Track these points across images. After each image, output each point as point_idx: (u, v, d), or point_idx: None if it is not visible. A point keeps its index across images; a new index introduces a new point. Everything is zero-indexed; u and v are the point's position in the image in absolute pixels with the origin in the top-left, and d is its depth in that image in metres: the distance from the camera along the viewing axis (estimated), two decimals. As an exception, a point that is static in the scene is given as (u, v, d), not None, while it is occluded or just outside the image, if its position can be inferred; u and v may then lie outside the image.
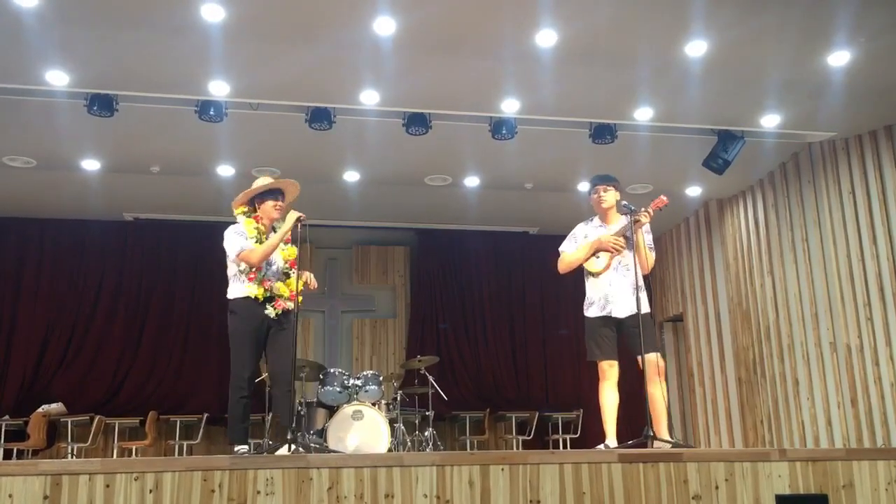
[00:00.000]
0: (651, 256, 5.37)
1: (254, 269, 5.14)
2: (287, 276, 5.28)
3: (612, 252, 5.30)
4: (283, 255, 5.33)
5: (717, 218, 10.22)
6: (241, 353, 5.10)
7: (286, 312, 5.18)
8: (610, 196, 5.43)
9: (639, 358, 5.15)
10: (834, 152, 8.30)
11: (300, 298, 5.27)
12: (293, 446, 4.72)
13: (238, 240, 5.18)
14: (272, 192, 5.33)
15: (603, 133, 7.77)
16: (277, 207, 5.30)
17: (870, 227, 7.85)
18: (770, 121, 7.78)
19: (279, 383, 5.10)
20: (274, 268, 5.24)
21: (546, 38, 6.23)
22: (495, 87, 7.12)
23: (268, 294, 5.14)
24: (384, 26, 6.04)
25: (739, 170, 8.49)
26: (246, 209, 5.38)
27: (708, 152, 8.12)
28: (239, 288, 5.17)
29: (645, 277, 5.37)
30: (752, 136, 8.06)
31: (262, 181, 5.41)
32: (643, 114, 7.59)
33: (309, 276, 5.36)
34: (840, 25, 6.10)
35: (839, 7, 5.89)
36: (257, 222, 5.29)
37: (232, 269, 5.23)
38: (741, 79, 6.96)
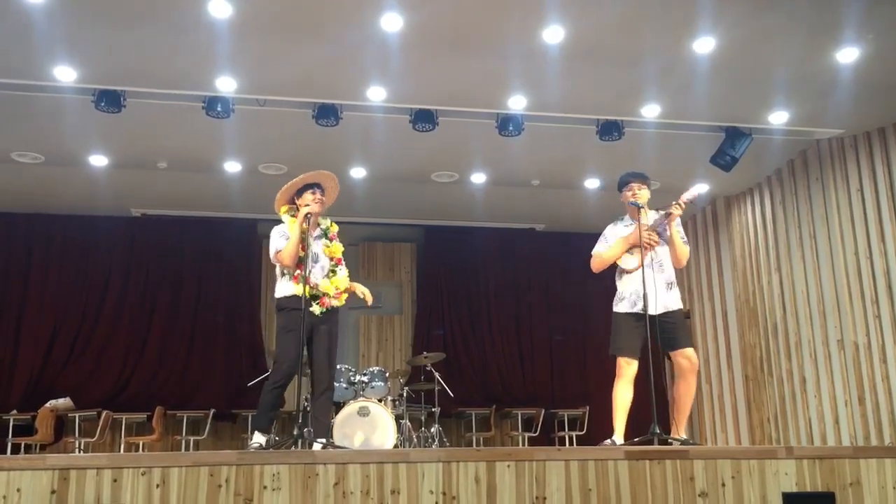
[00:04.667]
0: (686, 249, 5.37)
1: (297, 268, 5.14)
2: (333, 272, 5.27)
3: (646, 248, 5.27)
4: (327, 251, 5.31)
5: (724, 215, 10.20)
6: (285, 348, 5.12)
7: (331, 310, 5.20)
8: (644, 194, 5.40)
9: (673, 353, 5.15)
10: (842, 149, 8.26)
11: (345, 296, 5.32)
12: (326, 441, 4.81)
13: (278, 241, 5.21)
14: (309, 187, 5.29)
15: (610, 130, 7.76)
16: (316, 200, 5.23)
17: (878, 224, 7.81)
18: (778, 118, 7.75)
19: (318, 384, 5.13)
20: (318, 265, 5.22)
21: (553, 34, 6.22)
22: (502, 83, 7.10)
23: (313, 292, 5.14)
24: (391, 23, 6.04)
25: (747, 167, 8.46)
26: (288, 208, 5.36)
27: (715, 149, 8.09)
28: (286, 287, 5.19)
29: (678, 272, 5.36)
30: (760, 132, 8.04)
31: (301, 178, 5.35)
32: (650, 111, 7.57)
33: (365, 291, 5.43)
34: (848, 22, 6.08)
35: (847, 4, 5.87)
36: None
37: (279, 269, 5.27)
38: (749, 75, 6.93)
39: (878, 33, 6.24)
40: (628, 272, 5.32)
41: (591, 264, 5.51)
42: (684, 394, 5.17)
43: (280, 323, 5.24)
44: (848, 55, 6.55)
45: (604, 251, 5.44)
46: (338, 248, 5.40)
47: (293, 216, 5.28)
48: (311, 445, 4.77)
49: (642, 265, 5.23)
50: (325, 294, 5.17)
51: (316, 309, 5.13)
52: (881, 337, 7.65)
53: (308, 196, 5.25)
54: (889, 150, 7.82)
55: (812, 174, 8.65)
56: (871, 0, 5.81)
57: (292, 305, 5.12)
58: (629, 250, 5.34)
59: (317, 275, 5.19)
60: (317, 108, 7.37)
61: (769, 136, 8.14)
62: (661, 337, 5.13)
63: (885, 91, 7.15)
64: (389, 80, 6.99)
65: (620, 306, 5.33)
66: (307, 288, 5.09)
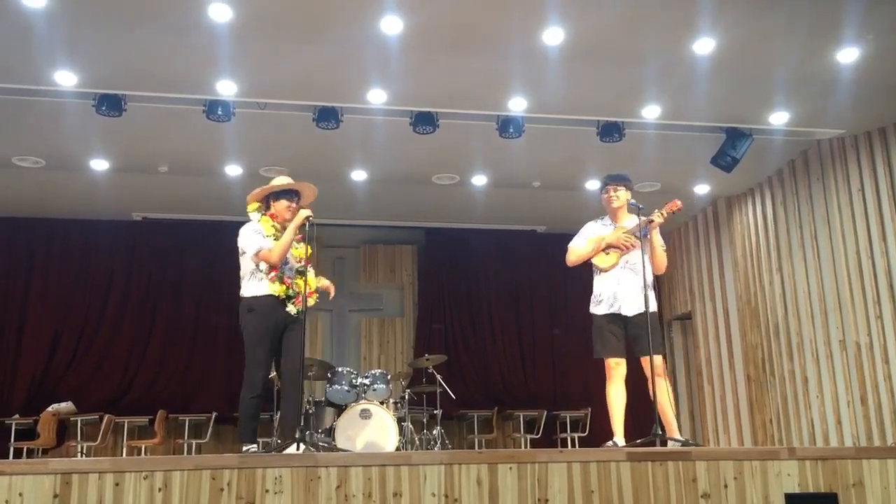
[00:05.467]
0: (664, 257, 5.44)
1: (274, 268, 5.12)
2: (302, 273, 5.23)
3: (621, 249, 5.34)
4: (296, 252, 5.27)
5: (725, 216, 10.19)
6: (256, 352, 5.07)
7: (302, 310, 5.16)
8: (621, 195, 5.46)
9: (642, 358, 5.17)
10: (843, 149, 8.26)
11: (316, 296, 5.30)
12: (302, 445, 4.74)
13: (256, 238, 5.15)
14: (287, 193, 5.31)
15: (610, 131, 7.76)
16: (291, 209, 5.24)
17: (879, 224, 7.81)
18: (778, 118, 7.75)
19: (288, 382, 5.09)
20: (288, 266, 5.21)
21: (553, 36, 6.22)
22: (503, 85, 7.11)
23: (289, 292, 5.13)
24: (391, 25, 6.04)
25: (748, 167, 8.46)
26: (258, 206, 5.36)
27: (716, 150, 8.09)
28: (258, 286, 5.12)
29: (656, 277, 5.40)
30: (761, 133, 8.03)
31: (281, 180, 5.38)
32: (651, 112, 7.57)
33: (328, 285, 5.47)
34: (849, 22, 6.08)
35: (848, 4, 5.87)
36: (273, 220, 5.27)
37: (248, 267, 5.17)
38: (749, 76, 6.93)
39: (878, 33, 6.24)
40: (605, 271, 5.39)
41: (566, 257, 5.58)
42: (657, 395, 5.16)
43: (251, 324, 5.09)
44: (848, 55, 6.54)
45: (579, 247, 5.51)
46: (305, 248, 5.35)
47: (265, 215, 5.29)
48: (282, 449, 4.73)
49: (643, 266, 5.27)
50: (299, 293, 5.13)
51: (292, 309, 5.11)
52: (883, 336, 7.64)
53: (284, 202, 5.27)
54: (890, 150, 7.81)
55: (813, 174, 8.64)
56: (871, 0, 5.81)
57: (266, 305, 5.07)
58: (605, 250, 5.41)
59: (288, 275, 5.19)
60: (317, 110, 7.37)
61: (770, 136, 8.14)
62: (629, 339, 5.21)
63: (886, 91, 7.15)
64: (390, 83, 7.00)
65: (598, 308, 5.40)
66: (284, 287, 5.10)
